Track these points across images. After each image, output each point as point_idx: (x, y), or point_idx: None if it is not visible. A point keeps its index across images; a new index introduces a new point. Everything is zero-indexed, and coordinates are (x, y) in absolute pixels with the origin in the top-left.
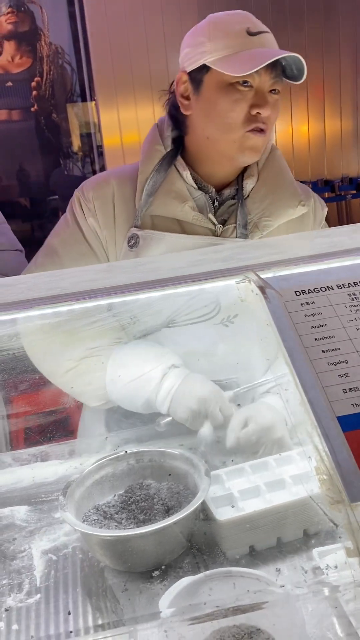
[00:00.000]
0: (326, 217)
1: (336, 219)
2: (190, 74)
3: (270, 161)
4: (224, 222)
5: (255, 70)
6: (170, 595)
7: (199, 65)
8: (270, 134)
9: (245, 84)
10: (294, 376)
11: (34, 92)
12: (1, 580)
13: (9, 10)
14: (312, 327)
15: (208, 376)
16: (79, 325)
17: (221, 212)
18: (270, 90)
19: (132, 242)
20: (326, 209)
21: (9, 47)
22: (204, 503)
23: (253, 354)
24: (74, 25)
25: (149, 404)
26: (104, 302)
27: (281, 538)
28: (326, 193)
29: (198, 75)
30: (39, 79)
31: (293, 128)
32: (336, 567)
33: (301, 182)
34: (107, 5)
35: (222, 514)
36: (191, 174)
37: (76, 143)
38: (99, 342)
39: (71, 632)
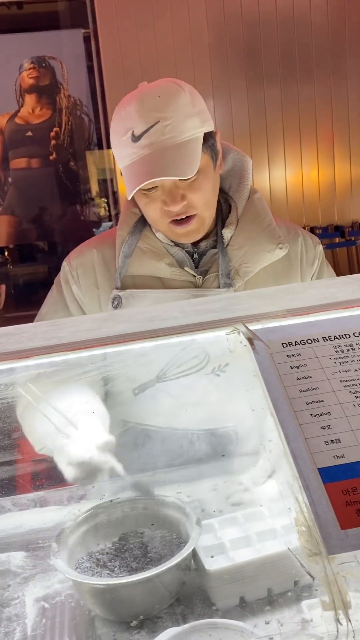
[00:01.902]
0: (336, 261)
1: (346, 264)
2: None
3: (248, 207)
4: (206, 272)
5: (131, 196)
6: None
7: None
8: (206, 211)
9: (150, 187)
10: (277, 427)
11: (53, 142)
12: None
13: (31, 66)
14: (298, 378)
15: (204, 426)
16: (71, 376)
17: (204, 263)
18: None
19: (115, 303)
20: (320, 247)
21: (30, 99)
22: (194, 552)
23: (246, 402)
24: (92, 79)
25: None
26: (96, 352)
27: (272, 589)
28: (337, 238)
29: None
30: (57, 129)
31: (303, 174)
32: (322, 618)
33: (311, 227)
34: (123, 60)
35: (212, 563)
36: None
37: (93, 189)
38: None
39: None
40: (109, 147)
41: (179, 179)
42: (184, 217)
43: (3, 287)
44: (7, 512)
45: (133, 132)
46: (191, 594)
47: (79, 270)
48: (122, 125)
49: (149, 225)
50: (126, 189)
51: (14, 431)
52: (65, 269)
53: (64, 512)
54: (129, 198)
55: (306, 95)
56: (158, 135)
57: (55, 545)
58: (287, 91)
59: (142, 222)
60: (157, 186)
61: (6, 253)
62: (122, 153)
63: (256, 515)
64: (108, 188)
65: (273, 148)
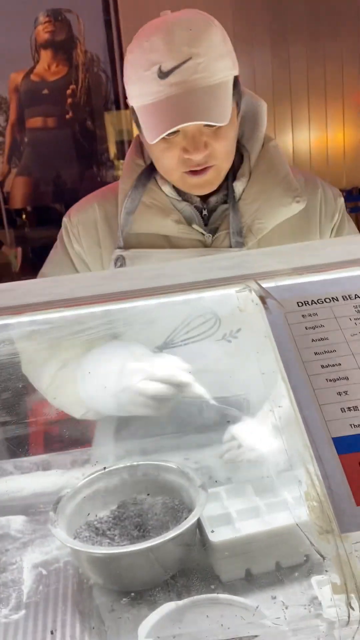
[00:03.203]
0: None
1: None
2: (131, 110)
3: (262, 157)
4: (216, 230)
5: (156, 141)
6: (152, 621)
7: (131, 105)
8: (224, 162)
9: (172, 132)
10: (289, 392)
11: (69, 100)
12: None
13: (46, 19)
14: (313, 340)
15: (214, 394)
16: (68, 333)
17: (214, 220)
18: (206, 124)
19: (119, 264)
20: (341, 200)
21: (45, 55)
22: (199, 521)
23: (258, 370)
24: (110, 34)
25: (118, 402)
26: (97, 309)
27: (280, 563)
28: None
29: (133, 114)
30: (74, 86)
31: (328, 136)
32: (331, 599)
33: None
34: (142, 13)
35: (217, 534)
36: (173, 186)
37: (111, 150)
38: (73, 353)
39: None
40: (126, 107)
41: (205, 125)
42: (202, 167)
43: (19, 250)
44: (9, 475)
45: (160, 67)
46: (195, 566)
47: (79, 227)
48: (145, 58)
49: (154, 177)
50: (146, 131)
51: (16, 390)
52: (65, 226)
53: (67, 477)
54: (155, 141)
55: (333, 52)
56: (190, 73)
57: (52, 514)
58: (313, 48)
59: (147, 175)
60: (178, 131)
61: (24, 216)
62: (143, 90)
63: (266, 485)
64: (125, 150)
65: (297, 108)
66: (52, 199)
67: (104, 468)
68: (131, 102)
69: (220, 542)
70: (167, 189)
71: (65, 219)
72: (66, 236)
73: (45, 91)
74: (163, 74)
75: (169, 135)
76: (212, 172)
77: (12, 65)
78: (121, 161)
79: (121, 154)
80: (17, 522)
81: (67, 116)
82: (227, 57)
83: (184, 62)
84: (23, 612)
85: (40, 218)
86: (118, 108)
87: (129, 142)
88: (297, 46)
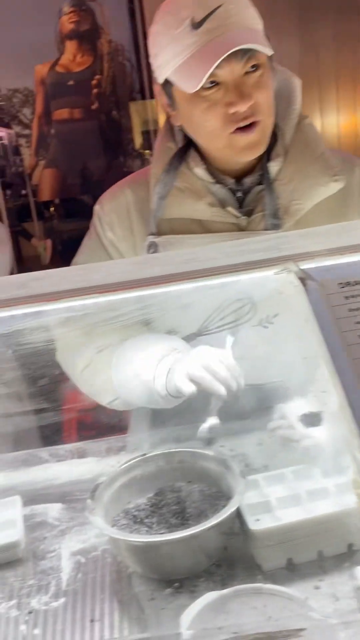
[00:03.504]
0: None
1: None
2: (162, 86)
3: (297, 135)
4: (251, 213)
5: (202, 84)
6: (193, 611)
7: (163, 81)
8: (269, 118)
9: (211, 84)
10: (333, 376)
11: (95, 90)
12: (28, 581)
13: (71, 9)
14: (357, 322)
15: (250, 380)
16: (102, 319)
17: (248, 202)
18: (246, 72)
19: (151, 250)
20: None
21: (70, 46)
22: (238, 509)
23: (297, 356)
24: (134, 23)
25: (150, 392)
26: (131, 295)
27: (322, 552)
28: None
29: (167, 89)
30: (99, 76)
31: (358, 120)
32: None
33: None
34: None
35: (257, 523)
36: (207, 168)
37: (137, 140)
38: (109, 340)
39: None
40: (151, 96)
41: (245, 73)
42: (249, 122)
43: (49, 241)
44: (45, 463)
45: (192, 18)
46: (235, 555)
47: (112, 215)
48: (174, 18)
49: (186, 161)
50: (186, 82)
51: (52, 377)
52: (98, 215)
53: (102, 465)
54: (200, 85)
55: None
56: (224, 18)
57: (90, 502)
58: (343, 28)
59: (179, 158)
60: (218, 83)
61: (52, 209)
62: (177, 47)
63: (306, 472)
64: (151, 139)
65: (325, 92)
66: (79, 190)
67: (143, 454)
68: (165, 71)
69: (261, 531)
70: (200, 172)
71: (97, 207)
72: (99, 225)
73: (71, 82)
74: (196, 24)
75: (207, 89)
76: (258, 130)
77: (38, 57)
78: (147, 151)
79: (147, 144)
80: (54, 510)
81: (93, 107)
82: (253, 8)
83: (215, 9)
84: (63, 599)
85: (68, 210)
86: (143, 97)
87: (155, 132)
88: (325, 27)
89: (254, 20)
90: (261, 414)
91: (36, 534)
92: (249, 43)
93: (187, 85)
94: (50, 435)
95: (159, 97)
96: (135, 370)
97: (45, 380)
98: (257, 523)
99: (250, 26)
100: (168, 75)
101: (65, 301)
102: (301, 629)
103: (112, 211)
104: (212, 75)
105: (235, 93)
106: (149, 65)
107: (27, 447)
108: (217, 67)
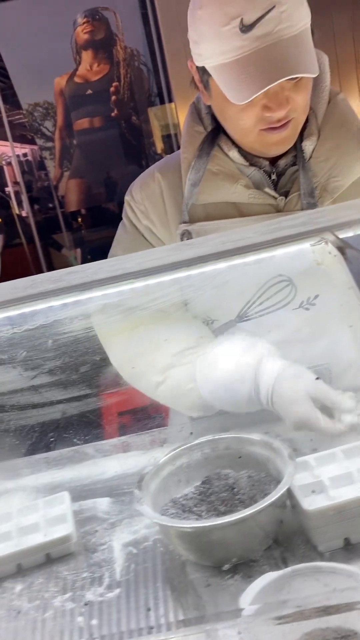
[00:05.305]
0: None
1: None
2: (198, 68)
3: (330, 112)
4: (287, 194)
5: (247, 101)
6: (253, 592)
7: (200, 66)
8: (302, 115)
9: None
10: None
11: (113, 97)
12: (82, 574)
13: (85, 20)
14: None
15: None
16: (141, 303)
17: (283, 183)
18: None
19: (186, 239)
20: None
21: (86, 56)
22: (290, 491)
23: (341, 336)
24: (148, 28)
25: (252, 403)
26: (167, 278)
27: None
28: None
29: (203, 75)
30: (117, 83)
31: None
32: None
33: None
34: (179, 5)
35: (311, 503)
36: (239, 151)
37: (158, 145)
38: (182, 345)
39: (152, 627)
40: (170, 100)
41: (286, 79)
42: (282, 123)
43: (78, 251)
44: (91, 459)
45: (242, 20)
46: (290, 536)
47: (146, 203)
48: (221, 11)
49: (218, 145)
50: (232, 91)
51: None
52: (130, 205)
53: (147, 457)
54: (247, 101)
55: None
56: (275, 24)
57: (137, 492)
58: (358, 15)
59: (210, 142)
60: None
61: (79, 219)
62: (223, 47)
63: (357, 450)
64: (173, 143)
65: (345, 81)
66: (105, 198)
67: (190, 433)
68: (203, 62)
69: (316, 510)
70: (233, 154)
71: (127, 198)
72: (132, 214)
73: (89, 91)
74: (246, 28)
75: None
76: (291, 128)
77: (56, 70)
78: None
79: (168, 148)
80: (102, 504)
81: (113, 114)
82: (305, 2)
83: (267, 12)
84: (118, 590)
85: (95, 219)
86: (162, 102)
87: (175, 135)
88: (341, 17)
89: (305, 20)
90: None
91: (87, 528)
92: (301, 70)
93: (231, 95)
94: (93, 428)
95: (191, 71)
96: (231, 388)
97: (86, 367)
98: (310, 503)
99: (302, 28)
100: (208, 67)
101: (102, 289)
102: None
103: (145, 199)
104: None
105: (275, 100)
106: (165, 69)
107: (70, 440)
108: None
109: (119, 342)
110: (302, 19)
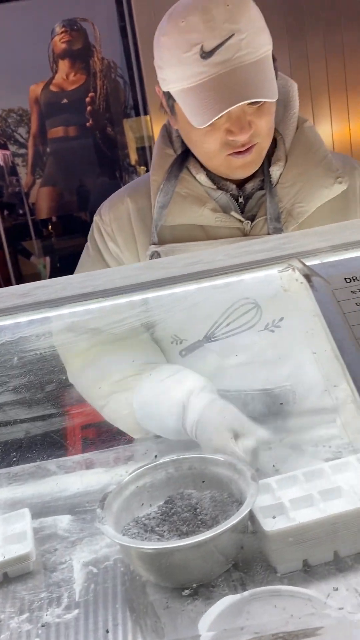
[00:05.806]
0: None
1: None
2: (164, 93)
3: (297, 139)
4: (253, 218)
5: (207, 124)
6: (211, 616)
7: (165, 90)
8: (267, 139)
9: None
10: (344, 371)
11: (89, 108)
12: (40, 594)
13: (63, 30)
14: None
15: (258, 386)
16: (107, 323)
17: (250, 207)
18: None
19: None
20: None
21: (63, 65)
22: (251, 512)
23: (305, 360)
24: (126, 41)
25: (181, 434)
26: (134, 298)
27: (338, 552)
28: None
29: (168, 100)
30: (92, 94)
31: (351, 129)
32: None
33: None
34: (157, 17)
35: (271, 524)
36: (207, 174)
37: (133, 157)
38: (125, 373)
39: None
40: (145, 112)
41: (249, 104)
42: (246, 147)
43: (47, 259)
44: (52, 475)
45: (202, 47)
46: (249, 559)
47: (113, 225)
48: (183, 39)
49: (187, 168)
50: (192, 115)
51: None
52: (97, 225)
53: (110, 475)
54: (206, 125)
55: (352, 44)
56: (235, 51)
57: (99, 511)
58: (331, 40)
59: (179, 165)
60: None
61: (49, 226)
62: (185, 73)
63: (318, 473)
64: (147, 156)
65: (318, 103)
66: (76, 207)
67: (155, 456)
68: (167, 86)
69: (276, 532)
70: (201, 178)
71: (96, 218)
72: (99, 236)
73: (65, 101)
74: (206, 54)
75: None
76: (255, 152)
77: (32, 77)
78: (142, 167)
79: (142, 159)
80: (63, 522)
81: (88, 124)
82: (265, 30)
83: (226, 40)
84: (76, 611)
85: (65, 227)
86: (137, 114)
87: (150, 148)
88: (314, 39)
89: (266, 47)
90: (270, 418)
91: (46, 546)
92: (260, 94)
93: (193, 119)
94: (56, 446)
95: (159, 95)
96: (162, 417)
97: (51, 386)
98: (270, 524)
99: (261, 55)
100: (172, 92)
101: (68, 307)
102: (320, 627)
103: (113, 221)
104: None
105: (237, 124)
106: (142, 81)
107: (33, 457)
108: None
109: (74, 362)
110: (262, 45)
